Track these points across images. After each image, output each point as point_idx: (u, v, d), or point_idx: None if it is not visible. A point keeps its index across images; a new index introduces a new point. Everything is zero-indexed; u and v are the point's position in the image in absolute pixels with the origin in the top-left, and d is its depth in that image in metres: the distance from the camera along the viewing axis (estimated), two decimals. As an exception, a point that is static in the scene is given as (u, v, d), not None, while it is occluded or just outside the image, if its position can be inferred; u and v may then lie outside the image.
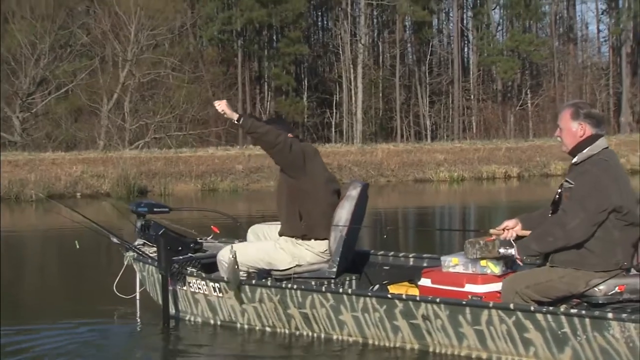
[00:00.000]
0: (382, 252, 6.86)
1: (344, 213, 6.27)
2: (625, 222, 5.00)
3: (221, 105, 6.24)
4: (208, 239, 7.29)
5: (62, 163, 26.46)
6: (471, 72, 54.43)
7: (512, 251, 5.24)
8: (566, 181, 5.12)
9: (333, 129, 49.78)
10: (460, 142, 39.11)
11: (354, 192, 6.34)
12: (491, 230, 5.36)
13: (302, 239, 6.31)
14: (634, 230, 5.05)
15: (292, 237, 6.33)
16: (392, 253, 6.83)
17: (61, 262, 11.63)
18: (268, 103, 49.77)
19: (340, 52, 50.09)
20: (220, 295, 6.39)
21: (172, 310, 6.64)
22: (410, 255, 6.72)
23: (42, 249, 13.52)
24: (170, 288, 6.56)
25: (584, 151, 5.09)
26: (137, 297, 7.05)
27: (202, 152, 31.21)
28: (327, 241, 6.30)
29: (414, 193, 15.85)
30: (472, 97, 53.07)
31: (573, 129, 5.12)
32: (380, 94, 51.51)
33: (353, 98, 48.95)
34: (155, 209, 6.95)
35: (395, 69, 51.36)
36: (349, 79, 49.32)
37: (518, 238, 5.28)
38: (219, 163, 28.36)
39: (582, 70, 55.33)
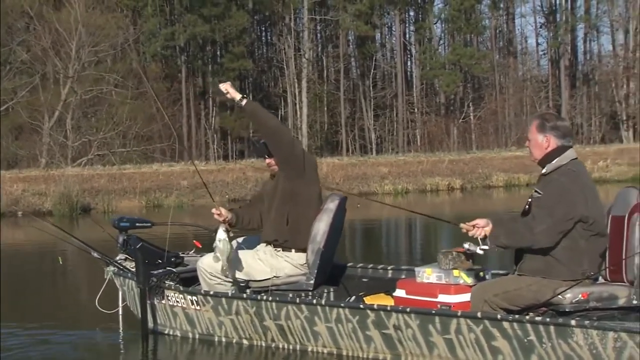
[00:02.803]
0: (360, 265, 6.89)
1: (322, 226, 6.22)
2: (591, 232, 5.11)
3: (225, 85, 6.16)
4: (190, 253, 7.28)
5: (2, 181, 25.97)
6: (414, 86, 54.89)
7: (478, 249, 5.32)
8: (535, 191, 5.22)
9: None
10: (405, 155, 39.31)
11: (331, 205, 6.30)
12: (461, 225, 5.35)
13: (283, 248, 6.24)
14: (600, 240, 5.17)
15: (275, 241, 6.25)
16: (370, 265, 6.86)
17: (43, 278, 11.65)
18: (213, 118, 49.62)
19: (285, 67, 50.28)
20: (198, 308, 6.40)
21: (151, 324, 6.66)
22: (389, 268, 6.76)
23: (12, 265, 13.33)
24: (149, 302, 6.59)
25: (553, 162, 5.20)
26: (120, 312, 7.06)
27: (146, 169, 31.08)
28: (306, 254, 6.24)
29: (351, 207, 15.80)
30: (415, 110, 53.48)
31: (539, 140, 5.24)
32: (325, 108, 51.85)
33: (298, 112, 49.08)
34: (137, 224, 6.96)
35: (340, 83, 51.68)
36: (294, 93, 49.55)
37: (486, 238, 5.34)
38: (164, 179, 28.23)
39: (522, 83, 56.03)
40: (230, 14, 47.67)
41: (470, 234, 5.31)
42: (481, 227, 5.30)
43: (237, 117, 48.11)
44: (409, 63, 57.67)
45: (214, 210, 6.28)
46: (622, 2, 52.63)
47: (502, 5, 56.63)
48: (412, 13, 57.78)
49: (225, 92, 6.16)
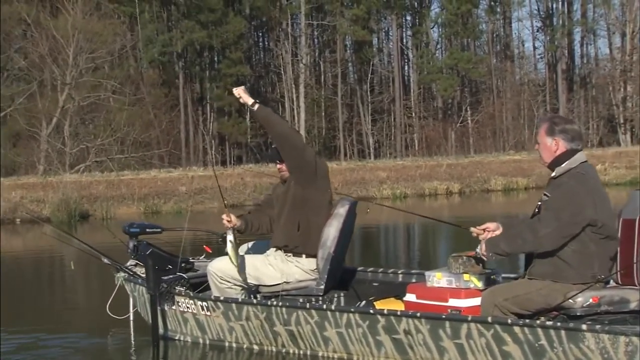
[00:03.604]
0: (371, 269, 6.86)
1: (332, 231, 6.20)
2: (601, 235, 5.06)
3: (238, 90, 6.15)
4: (200, 258, 7.27)
5: (2, 189, 25.86)
6: (412, 90, 54.78)
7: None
8: (544, 194, 5.20)
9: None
10: (403, 160, 39.17)
11: (342, 210, 6.27)
12: (472, 229, 5.34)
13: (294, 254, 6.23)
14: (611, 243, 5.13)
15: (285, 246, 6.24)
16: (381, 269, 6.83)
17: (48, 284, 11.60)
18: (211, 124, 49.51)
19: (282, 72, 50.23)
20: (209, 313, 6.39)
21: (161, 330, 6.66)
22: (399, 272, 6.75)
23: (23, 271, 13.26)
24: (160, 308, 6.58)
25: (562, 165, 5.18)
26: (131, 318, 7.09)
27: (144, 175, 30.99)
28: (316, 259, 6.22)
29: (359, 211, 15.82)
30: (413, 114, 53.45)
31: (547, 143, 5.23)
32: (323, 113, 51.74)
33: (296, 117, 49.04)
34: (147, 230, 6.97)
35: (337, 88, 51.60)
36: (292, 98, 49.54)
37: None
38: (162, 185, 28.10)
39: (519, 86, 55.92)
40: (228, 20, 47.63)
41: (480, 238, 5.32)
42: (492, 231, 5.32)
43: (235, 123, 48.12)
44: (406, 67, 57.67)
45: (224, 216, 6.27)
46: (618, 6, 52.84)
47: (498, 10, 56.63)
48: (408, 18, 57.85)
49: (237, 96, 6.15)
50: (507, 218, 5.75)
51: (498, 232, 5.33)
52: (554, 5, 55.57)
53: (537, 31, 57.72)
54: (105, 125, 40.79)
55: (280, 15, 50.33)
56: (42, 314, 8.84)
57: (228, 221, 6.23)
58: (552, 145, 5.20)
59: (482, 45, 57.61)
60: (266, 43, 56.34)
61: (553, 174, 5.24)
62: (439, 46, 57.65)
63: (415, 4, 56.83)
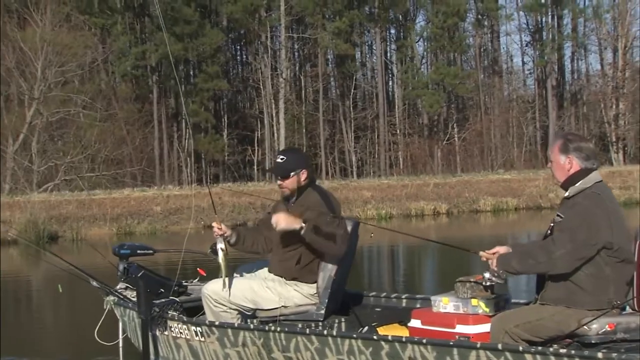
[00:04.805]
0: (373, 293, 6.90)
1: None
2: (617, 259, 4.99)
3: (278, 223, 5.86)
4: (194, 281, 7.28)
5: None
6: (396, 106, 54.65)
7: (499, 280, 5.27)
8: (557, 215, 5.14)
9: (255, 167, 49.71)
10: (387, 179, 39.32)
11: None
12: (481, 253, 5.24)
13: (292, 280, 6.22)
14: (627, 267, 5.06)
15: (281, 277, 6.20)
16: (384, 294, 6.90)
17: (34, 308, 11.70)
18: (186, 141, 49.55)
19: (261, 87, 50.09)
20: (203, 339, 6.31)
21: (153, 357, 6.62)
22: (403, 297, 6.76)
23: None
24: (151, 333, 6.53)
25: (576, 185, 5.09)
26: (120, 344, 7.02)
27: (116, 194, 30.99)
28: (316, 283, 6.20)
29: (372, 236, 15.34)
30: (398, 131, 53.26)
31: (561, 162, 5.15)
32: (304, 130, 51.36)
33: (275, 134, 49.06)
34: (138, 251, 6.97)
35: (319, 103, 51.22)
36: (271, 114, 49.18)
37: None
38: (136, 205, 28.02)
39: (508, 103, 56.23)
40: (204, 32, 47.37)
41: (490, 262, 5.23)
42: None
43: (212, 139, 47.99)
44: (390, 83, 57.49)
45: (214, 224, 6.17)
46: (610, 20, 53.13)
47: (486, 23, 56.73)
48: (393, 31, 57.89)
49: (275, 226, 5.84)
50: (518, 240, 5.13)
51: None
52: (544, 19, 55.60)
53: (526, 46, 58.08)
54: (75, 142, 40.53)
55: (259, 27, 49.92)
56: (24, 340, 8.76)
57: (219, 228, 6.13)
58: (565, 163, 5.15)
59: (469, 60, 57.80)
60: (244, 56, 56.06)
61: (566, 193, 5.18)
62: (424, 61, 57.52)
63: (400, 17, 56.81)
